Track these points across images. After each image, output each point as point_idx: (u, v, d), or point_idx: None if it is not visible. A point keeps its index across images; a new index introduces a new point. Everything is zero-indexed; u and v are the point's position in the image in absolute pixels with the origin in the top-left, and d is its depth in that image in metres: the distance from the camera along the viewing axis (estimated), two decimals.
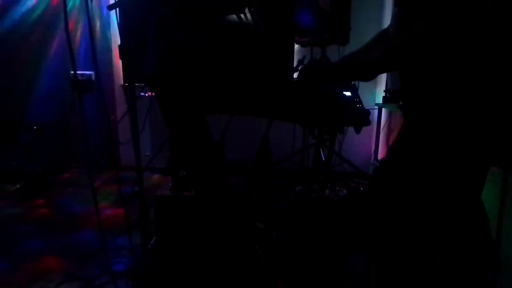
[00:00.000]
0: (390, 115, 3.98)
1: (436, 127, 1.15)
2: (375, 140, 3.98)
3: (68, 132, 4.13)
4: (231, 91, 1.43)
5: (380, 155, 4.00)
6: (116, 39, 4.07)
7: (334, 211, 2.89)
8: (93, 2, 3.96)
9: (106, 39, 4.13)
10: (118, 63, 4.13)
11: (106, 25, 4.13)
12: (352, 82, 1.63)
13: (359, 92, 1.59)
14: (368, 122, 1.49)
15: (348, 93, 1.54)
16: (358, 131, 1.49)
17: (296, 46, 3.46)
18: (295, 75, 2.37)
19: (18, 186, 3.55)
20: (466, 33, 1.03)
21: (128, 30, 1.52)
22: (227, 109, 1.63)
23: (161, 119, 1.37)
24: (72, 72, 4.12)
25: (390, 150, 1.42)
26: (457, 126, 1.12)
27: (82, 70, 4.04)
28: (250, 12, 1.45)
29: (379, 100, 3.79)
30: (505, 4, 1.01)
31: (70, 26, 3.44)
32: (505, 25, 1.03)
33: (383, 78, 3.92)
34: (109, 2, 3.97)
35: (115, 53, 4.08)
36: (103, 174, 3.86)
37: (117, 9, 1.51)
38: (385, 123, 3.99)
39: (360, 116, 1.49)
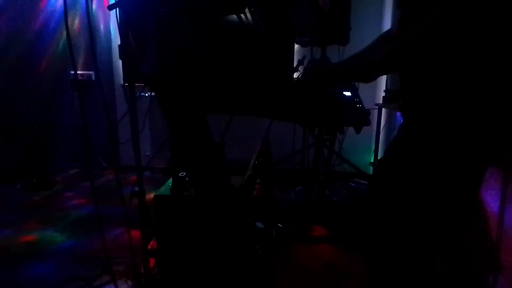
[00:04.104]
0: (390, 115, 3.98)
1: (434, 127, 1.15)
2: (375, 140, 3.98)
3: (68, 132, 4.13)
4: (231, 91, 1.43)
5: (380, 155, 4.00)
6: (116, 39, 4.07)
7: (334, 211, 2.89)
8: (93, 2, 3.97)
9: (106, 39, 4.13)
10: (118, 63, 4.13)
11: (106, 25, 4.13)
12: (353, 83, 1.63)
13: (359, 92, 1.59)
14: (368, 122, 1.49)
15: (348, 93, 1.54)
16: (358, 131, 1.49)
17: (296, 46, 3.46)
18: (295, 75, 2.37)
19: (18, 186, 3.55)
20: (465, 34, 1.03)
21: (128, 30, 1.52)
22: (227, 109, 1.63)
23: (161, 119, 1.37)
24: (72, 72, 4.12)
25: (388, 149, 1.42)
26: (455, 126, 1.12)
27: (82, 70, 4.05)
28: (250, 12, 1.44)
29: (379, 100, 3.79)
30: (504, 5, 1.01)
31: (70, 26, 3.45)
32: (505, 26, 1.03)
33: (383, 78, 3.93)
34: (109, 2, 3.97)
35: (115, 53, 4.08)
36: (103, 174, 3.86)
37: (117, 9, 1.51)
38: (385, 123, 3.99)
39: (360, 116, 1.49)
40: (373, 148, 4.04)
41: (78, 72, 4.01)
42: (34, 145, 3.75)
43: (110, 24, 4.11)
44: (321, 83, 1.33)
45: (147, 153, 3.79)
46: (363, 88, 2.01)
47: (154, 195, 1.78)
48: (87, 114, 1.65)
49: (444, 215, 1.21)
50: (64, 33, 3.27)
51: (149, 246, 1.90)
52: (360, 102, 1.55)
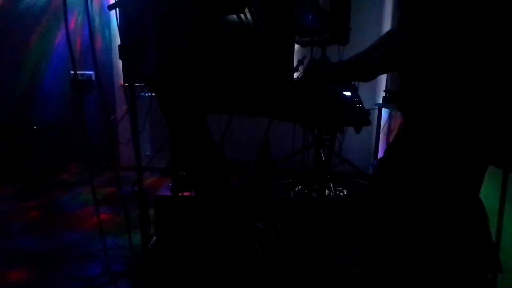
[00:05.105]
0: (390, 115, 3.98)
1: (434, 127, 1.15)
2: (375, 140, 3.98)
3: (68, 132, 4.13)
4: (231, 91, 1.43)
5: (380, 155, 3.99)
6: (116, 39, 4.07)
7: (334, 211, 2.89)
8: (93, 2, 3.97)
9: (106, 39, 4.13)
10: (118, 63, 4.13)
11: (106, 25, 4.13)
12: (352, 82, 1.63)
13: (359, 92, 1.59)
14: (368, 122, 1.49)
15: (348, 93, 1.54)
16: (358, 131, 1.49)
17: (296, 46, 3.46)
18: (295, 75, 2.37)
19: (18, 186, 3.55)
20: (465, 33, 1.03)
21: (128, 30, 1.52)
22: (227, 109, 1.63)
23: (161, 119, 1.37)
24: (72, 72, 4.12)
25: (388, 149, 1.42)
26: (455, 126, 1.12)
27: (82, 70, 4.05)
28: (250, 12, 1.44)
29: (379, 100, 3.79)
30: (504, 4, 1.01)
31: (70, 26, 3.45)
32: (504, 26, 1.03)
33: (383, 78, 3.92)
34: (109, 2, 3.97)
35: (115, 53, 4.08)
36: (103, 174, 3.86)
37: (117, 9, 1.51)
38: (385, 123, 3.99)
39: (360, 116, 1.49)
40: (373, 148, 4.04)
41: (78, 72, 4.01)
42: (34, 145, 3.75)
43: (110, 24, 4.10)
44: (321, 82, 1.33)
45: (147, 153, 3.79)
46: (363, 88, 2.01)
47: (154, 195, 1.79)
48: (87, 114, 1.65)
49: (443, 214, 1.21)
50: (64, 33, 3.27)
51: (149, 246, 1.90)
52: (360, 102, 1.55)
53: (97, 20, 4.09)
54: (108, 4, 1.48)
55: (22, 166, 3.71)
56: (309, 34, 2.99)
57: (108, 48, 4.12)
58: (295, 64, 2.46)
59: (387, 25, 3.78)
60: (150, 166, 3.52)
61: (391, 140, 3.46)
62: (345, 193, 3.42)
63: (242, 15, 1.42)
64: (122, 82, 4.17)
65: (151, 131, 3.82)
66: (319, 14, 2.94)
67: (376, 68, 1.21)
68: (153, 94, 1.38)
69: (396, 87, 3.51)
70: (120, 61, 1.63)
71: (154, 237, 2.11)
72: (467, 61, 1.07)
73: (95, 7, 4.02)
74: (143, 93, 1.79)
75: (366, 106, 1.56)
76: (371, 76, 1.22)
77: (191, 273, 1.77)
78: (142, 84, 1.69)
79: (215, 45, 1.40)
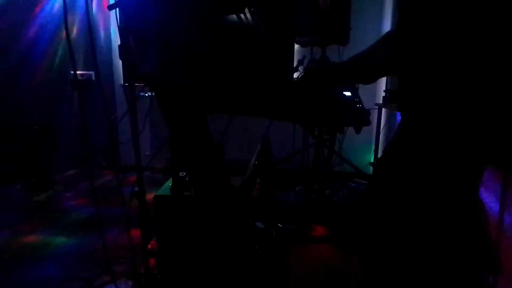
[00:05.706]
0: (390, 115, 3.98)
1: (433, 127, 1.15)
2: (375, 140, 3.98)
3: (68, 132, 4.12)
4: (231, 91, 1.43)
5: (380, 155, 3.99)
6: (116, 39, 4.07)
7: (334, 211, 2.89)
8: (93, 2, 3.97)
9: (106, 39, 4.13)
10: (118, 63, 4.14)
11: (106, 25, 4.13)
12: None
13: (359, 92, 1.60)
14: (368, 122, 1.49)
15: (348, 93, 1.54)
16: (358, 131, 1.49)
17: (296, 46, 3.46)
18: (296, 75, 2.37)
19: (18, 186, 3.55)
20: (463, 34, 1.03)
21: (128, 30, 1.52)
22: (227, 109, 1.63)
23: (161, 119, 1.37)
24: (72, 72, 4.12)
25: (387, 149, 1.42)
26: (454, 126, 1.12)
27: (82, 70, 4.05)
28: (250, 12, 1.44)
29: (379, 100, 3.79)
30: (503, 5, 1.01)
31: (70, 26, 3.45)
32: (503, 26, 1.03)
33: (383, 78, 3.92)
34: (109, 2, 3.97)
35: (115, 53, 4.09)
36: (103, 174, 3.86)
37: (117, 9, 1.51)
38: (385, 123, 3.99)
39: (360, 116, 1.49)
40: (373, 148, 4.04)
41: (78, 72, 4.01)
42: (34, 145, 3.75)
43: (110, 24, 4.11)
44: (322, 83, 1.33)
45: (147, 153, 3.79)
46: (363, 88, 2.01)
47: (154, 195, 1.78)
48: (87, 114, 1.65)
49: (443, 214, 1.21)
50: (64, 33, 3.27)
51: (149, 246, 1.90)
52: (360, 102, 1.55)
53: (97, 20, 4.09)
54: (108, 4, 1.48)
55: (22, 166, 3.71)
56: (309, 34, 2.99)
57: (108, 48, 4.12)
58: (295, 64, 2.46)
59: (387, 25, 3.78)
60: (150, 166, 3.53)
61: (390, 139, 3.44)
62: (345, 193, 3.43)
63: (242, 15, 1.42)
64: (122, 82, 4.18)
65: (151, 131, 3.82)
66: (319, 14, 2.94)
67: (376, 71, 1.21)
68: (153, 94, 1.37)
69: (396, 87, 3.51)
70: (120, 61, 1.63)
71: (154, 237, 2.11)
72: (466, 61, 1.07)
73: (95, 8, 4.02)
74: (143, 93, 1.79)
75: (366, 106, 1.56)
76: (372, 80, 1.22)
77: (191, 273, 1.77)
78: (142, 84, 1.69)
79: (215, 45, 1.40)
